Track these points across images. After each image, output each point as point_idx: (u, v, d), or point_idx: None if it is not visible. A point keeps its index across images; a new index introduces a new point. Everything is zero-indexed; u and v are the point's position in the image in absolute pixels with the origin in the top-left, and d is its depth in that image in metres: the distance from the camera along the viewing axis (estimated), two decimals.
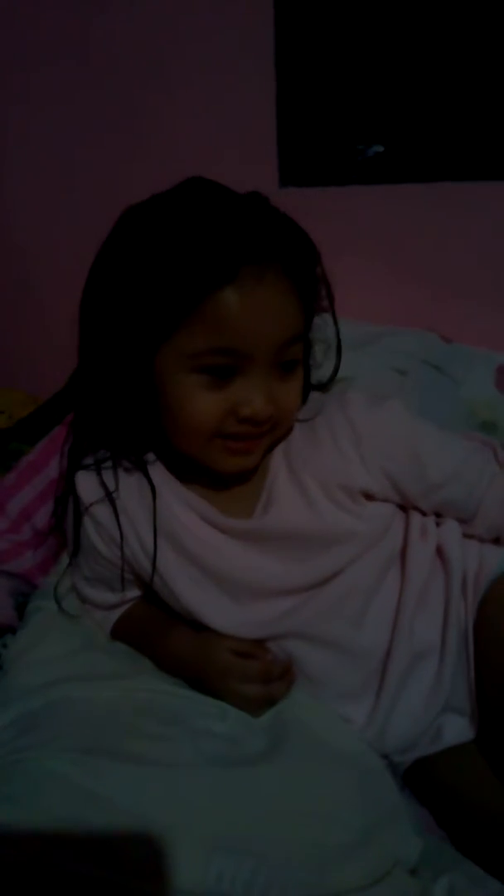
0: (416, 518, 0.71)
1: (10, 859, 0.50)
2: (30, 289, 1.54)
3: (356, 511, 0.67)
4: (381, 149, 1.11)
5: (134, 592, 0.75)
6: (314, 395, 0.72)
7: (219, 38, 1.16)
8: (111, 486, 0.67)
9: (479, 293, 1.10)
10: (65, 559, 0.77)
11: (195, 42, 1.17)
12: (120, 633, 0.75)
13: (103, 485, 0.67)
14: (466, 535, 0.72)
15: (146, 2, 1.19)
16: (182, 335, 0.57)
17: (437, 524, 0.72)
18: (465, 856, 0.60)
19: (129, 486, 0.68)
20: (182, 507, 0.67)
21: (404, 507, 0.72)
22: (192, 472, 0.67)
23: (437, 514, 0.73)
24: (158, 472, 0.68)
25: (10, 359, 1.61)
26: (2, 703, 0.65)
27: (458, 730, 0.66)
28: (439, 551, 0.71)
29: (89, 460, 0.69)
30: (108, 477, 0.68)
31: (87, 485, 0.68)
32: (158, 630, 0.71)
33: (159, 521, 0.67)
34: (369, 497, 0.68)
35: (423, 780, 0.66)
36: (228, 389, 0.59)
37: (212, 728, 0.62)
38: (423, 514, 0.72)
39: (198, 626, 0.69)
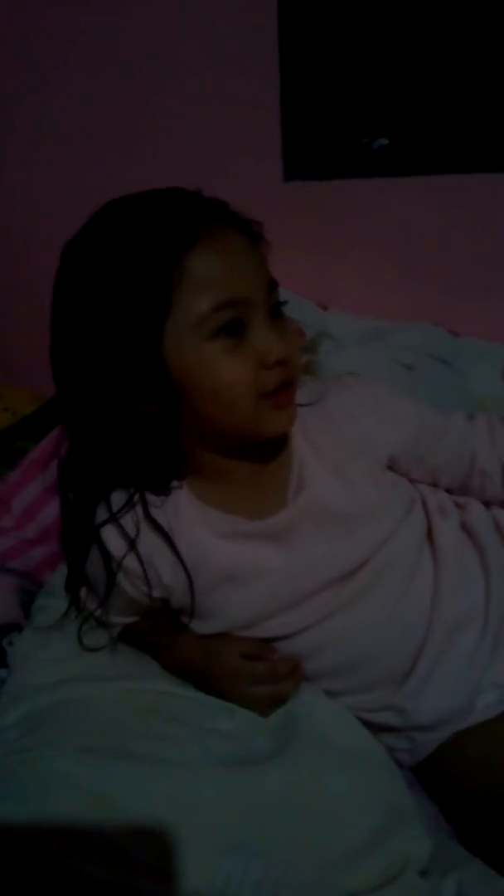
0: (431, 501, 0.73)
1: (16, 857, 0.50)
2: (33, 287, 1.53)
3: (382, 480, 0.70)
4: (386, 141, 1.10)
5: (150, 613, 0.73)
6: (313, 384, 0.73)
7: (223, 32, 1.15)
8: (132, 531, 0.65)
9: (487, 286, 1.09)
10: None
11: (199, 35, 1.17)
12: (129, 636, 0.74)
13: (125, 534, 0.65)
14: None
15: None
16: (180, 309, 0.57)
17: (457, 504, 0.75)
18: (474, 852, 0.59)
19: (150, 533, 0.65)
20: (208, 530, 0.66)
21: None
22: (218, 476, 0.67)
23: (445, 488, 0.75)
24: (182, 498, 0.67)
25: (15, 357, 1.60)
26: (8, 702, 0.65)
27: (492, 702, 0.65)
28: (465, 528, 0.72)
29: (103, 513, 0.66)
30: (127, 522, 0.65)
31: (111, 536, 0.65)
32: (167, 633, 0.71)
33: (188, 553, 0.65)
34: (391, 466, 0.72)
35: (437, 770, 0.66)
36: (246, 347, 0.59)
37: (219, 728, 0.61)
38: (434, 485, 0.75)
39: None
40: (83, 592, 0.71)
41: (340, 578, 0.66)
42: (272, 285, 0.62)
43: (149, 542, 0.65)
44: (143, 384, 0.59)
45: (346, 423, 0.69)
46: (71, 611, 0.72)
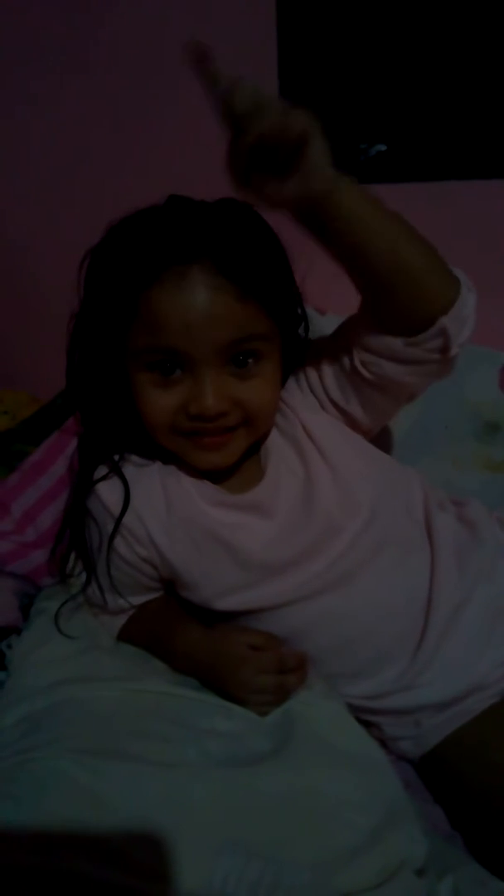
0: (432, 496, 0.75)
1: (14, 859, 0.50)
2: (33, 290, 1.54)
3: (336, 454, 0.71)
4: (383, 148, 1.10)
5: (149, 596, 0.75)
6: None
7: (220, 38, 1.14)
8: (123, 489, 0.70)
9: (484, 292, 1.09)
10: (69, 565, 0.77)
11: (194, 39, 1.17)
12: (129, 632, 0.75)
13: (123, 488, 0.70)
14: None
15: (148, 1, 1.19)
16: (132, 336, 0.63)
17: (454, 503, 0.76)
18: (478, 855, 0.60)
19: (142, 485, 0.70)
20: (197, 493, 0.70)
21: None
22: None
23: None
24: (175, 466, 0.71)
25: (14, 360, 1.61)
26: (7, 704, 0.65)
27: (499, 682, 0.66)
28: (463, 520, 0.74)
29: (103, 470, 0.71)
30: (118, 482, 0.71)
31: (107, 494, 0.70)
32: (169, 626, 0.72)
33: (179, 511, 0.69)
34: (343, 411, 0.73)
35: (442, 768, 0.66)
36: (178, 388, 0.63)
37: (217, 728, 0.62)
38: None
39: (215, 616, 0.70)
40: (77, 568, 0.75)
41: (322, 546, 0.67)
42: (240, 340, 0.62)
43: (141, 498, 0.69)
44: (114, 378, 0.67)
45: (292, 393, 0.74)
46: (72, 598, 0.74)
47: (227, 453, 0.67)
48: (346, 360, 0.69)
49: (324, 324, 0.76)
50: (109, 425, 0.71)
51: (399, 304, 0.62)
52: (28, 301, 1.56)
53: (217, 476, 0.71)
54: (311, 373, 0.73)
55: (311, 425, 0.71)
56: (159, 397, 0.64)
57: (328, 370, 0.72)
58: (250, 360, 0.64)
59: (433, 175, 1.07)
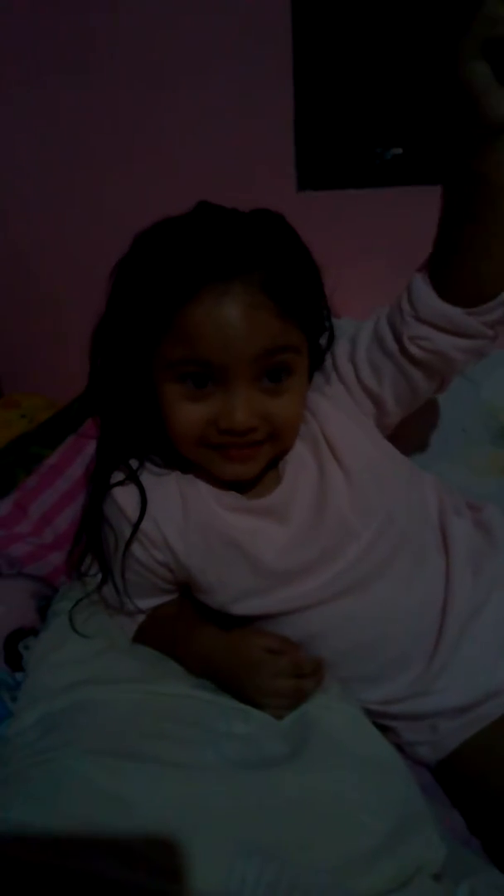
0: (448, 502, 0.75)
1: (32, 858, 0.50)
2: (50, 295, 1.55)
3: (353, 459, 0.70)
4: (399, 151, 1.10)
5: (165, 598, 0.76)
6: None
7: (236, 42, 1.16)
8: (140, 494, 0.70)
9: None
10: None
11: (213, 46, 1.18)
12: (144, 635, 0.75)
13: (140, 492, 0.70)
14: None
15: (163, 4, 1.20)
16: (164, 347, 0.63)
17: (471, 507, 0.76)
18: (498, 860, 0.59)
19: (159, 490, 0.70)
20: (214, 498, 0.70)
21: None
22: None
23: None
24: (193, 471, 0.71)
25: (31, 364, 1.62)
26: (25, 705, 0.66)
27: None
28: (479, 525, 0.74)
29: (119, 475, 0.71)
30: (135, 486, 0.70)
31: (125, 498, 0.70)
32: (186, 630, 0.72)
33: (195, 515, 0.69)
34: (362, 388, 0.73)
35: (460, 774, 0.66)
36: (208, 400, 0.63)
37: (234, 731, 0.61)
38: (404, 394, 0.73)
39: (232, 619, 0.70)
40: (93, 568, 0.74)
41: (338, 550, 0.67)
42: (272, 352, 0.62)
43: (158, 502, 0.69)
44: (140, 388, 0.67)
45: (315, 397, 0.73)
46: (91, 596, 0.75)
47: (253, 465, 0.68)
48: (389, 340, 0.69)
49: (339, 327, 0.76)
50: (130, 432, 0.71)
51: (484, 269, 0.63)
52: (44, 311, 1.57)
53: (236, 484, 0.71)
54: (342, 359, 0.73)
55: (330, 428, 0.71)
56: (190, 410, 0.64)
57: (363, 354, 0.72)
58: (283, 375, 0.64)
59: None
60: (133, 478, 0.70)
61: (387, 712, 0.68)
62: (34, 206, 1.49)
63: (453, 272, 0.65)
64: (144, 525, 0.69)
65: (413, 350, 0.68)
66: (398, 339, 0.68)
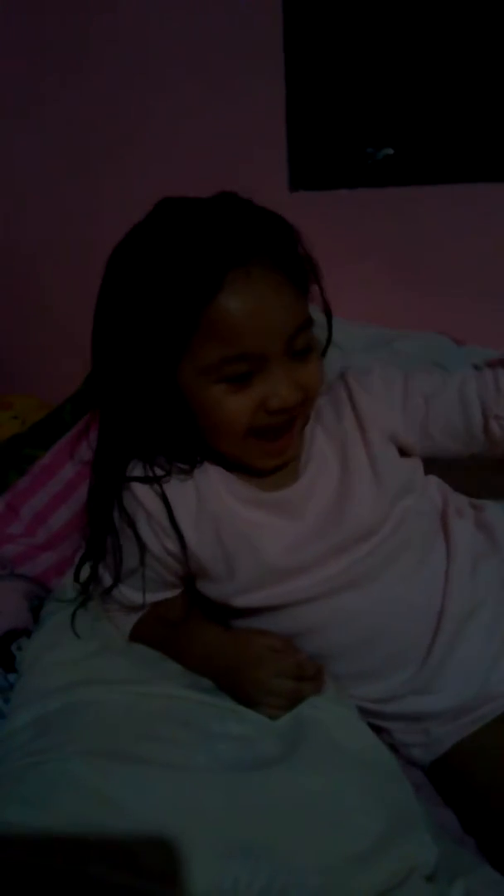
0: (451, 503, 0.75)
1: (25, 860, 0.50)
2: (42, 295, 1.55)
3: (384, 461, 0.70)
4: (391, 151, 1.11)
5: (169, 593, 0.75)
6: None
7: (228, 42, 1.16)
8: (158, 488, 0.69)
9: (493, 295, 1.09)
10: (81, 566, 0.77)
11: (204, 45, 1.18)
12: (143, 631, 0.75)
13: (157, 484, 0.69)
14: None
15: (154, 3, 1.20)
16: (193, 353, 0.61)
17: (473, 506, 0.77)
18: (493, 858, 0.60)
19: (173, 481, 0.70)
20: (227, 491, 0.70)
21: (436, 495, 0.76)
22: (238, 466, 0.70)
23: (459, 454, 0.75)
24: (206, 462, 0.71)
25: (24, 365, 1.62)
26: (18, 706, 0.65)
27: None
28: (481, 525, 0.74)
29: (133, 471, 0.70)
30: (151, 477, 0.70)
31: (143, 489, 0.69)
32: (186, 627, 0.72)
33: (208, 507, 0.69)
34: (398, 444, 0.73)
35: (453, 774, 0.66)
36: (254, 387, 0.62)
37: (228, 732, 0.61)
38: (447, 457, 0.75)
39: (232, 614, 0.70)
40: (100, 568, 0.74)
41: (345, 549, 0.68)
42: (300, 329, 0.62)
43: (172, 491, 0.69)
44: (162, 393, 0.64)
45: (346, 404, 0.73)
46: (87, 597, 0.74)
47: (291, 451, 0.69)
48: (475, 410, 0.71)
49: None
50: (139, 434, 0.69)
51: None
52: (38, 308, 1.57)
53: (252, 472, 0.70)
54: (414, 390, 0.73)
55: (372, 436, 0.71)
56: (236, 403, 0.63)
57: (440, 407, 0.72)
58: (306, 348, 0.65)
59: (440, 178, 1.08)
60: (149, 468, 0.70)
61: (382, 712, 0.68)
62: (27, 208, 1.48)
63: None
64: (160, 516, 0.69)
65: (495, 429, 0.70)
66: (485, 413, 0.70)
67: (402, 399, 0.73)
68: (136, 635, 0.75)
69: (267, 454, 0.67)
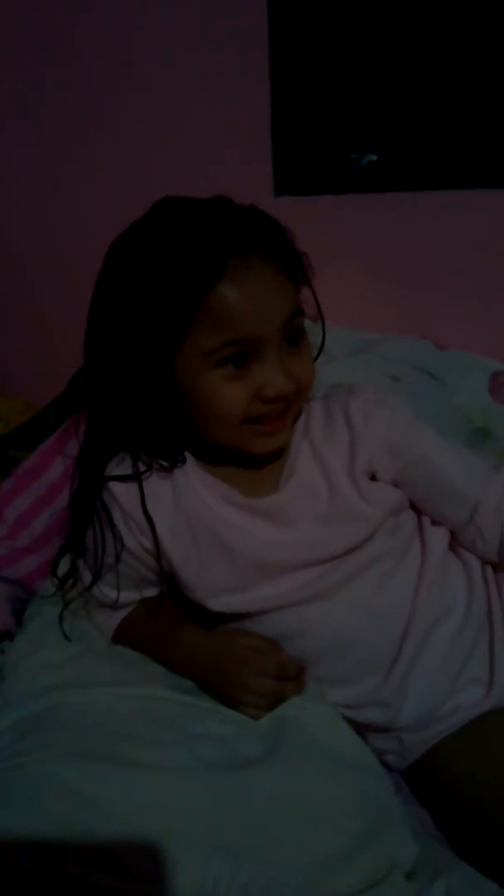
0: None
1: (6, 863, 0.50)
2: (27, 296, 1.54)
3: (367, 486, 0.70)
4: (374, 158, 1.12)
5: (148, 592, 0.76)
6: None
7: (213, 48, 1.17)
8: (136, 486, 0.69)
9: (473, 300, 1.11)
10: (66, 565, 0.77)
11: (189, 50, 1.18)
12: (126, 632, 0.75)
13: (137, 482, 0.69)
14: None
15: (138, 10, 1.20)
16: (193, 338, 0.62)
17: None
18: (463, 857, 0.60)
19: (151, 479, 0.70)
20: (207, 492, 0.70)
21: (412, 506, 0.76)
22: (220, 458, 0.71)
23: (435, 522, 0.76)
24: (190, 462, 0.71)
25: (8, 367, 1.61)
26: (1, 708, 0.65)
27: (476, 699, 0.67)
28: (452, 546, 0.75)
29: (115, 467, 0.71)
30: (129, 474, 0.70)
31: (119, 486, 0.70)
32: (169, 629, 0.72)
33: (185, 506, 0.69)
34: (374, 477, 0.72)
35: (426, 778, 0.67)
36: (249, 376, 0.63)
37: (209, 732, 0.62)
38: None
39: (212, 617, 0.70)
40: (80, 565, 0.74)
41: (318, 563, 0.68)
42: (293, 315, 0.64)
43: (149, 489, 0.69)
44: (156, 383, 0.65)
45: (342, 425, 0.72)
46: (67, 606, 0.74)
47: (284, 435, 0.69)
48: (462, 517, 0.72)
49: (316, 331, 0.77)
50: (129, 428, 0.70)
51: None
52: (23, 309, 1.56)
53: (231, 475, 0.71)
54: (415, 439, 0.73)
55: (361, 462, 0.71)
56: (233, 390, 0.63)
57: (440, 500, 0.74)
58: (299, 337, 0.66)
59: (423, 185, 1.09)
60: (129, 464, 0.70)
61: (354, 719, 0.68)
62: (12, 210, 1.48)
63: None
64: (134, 512, 0.69)
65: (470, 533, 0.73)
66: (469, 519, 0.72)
67: (406, 462, 0.72)
68: (118, 637, 0.75)
69: (261, 435, 0.67)
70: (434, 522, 0.76)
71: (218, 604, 0.70)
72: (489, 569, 0.74)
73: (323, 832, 0.55)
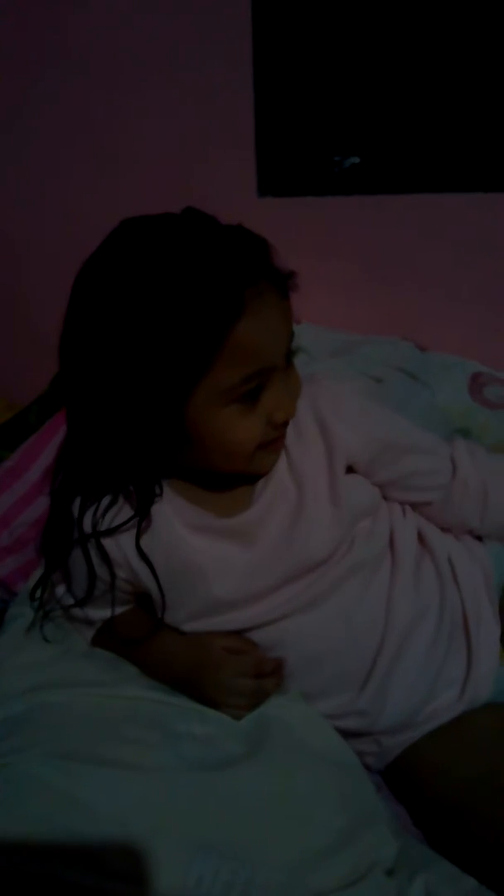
0: (395, 504, 0.76)
1: None
2: (10, 298, 1.53)
3: (343, 486, 0.69)
4: (357, 160, 1.12)
5: (122, 609, 0.74)
6: None
7: (197, 49, 1.17)
8: (112, 514, 0.67)
9: (453, 302, 1.12)
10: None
11: (174, 53, 1.18)
12: (103, 640, 0.75)
13: (105, 515, 0.66)
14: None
15: (123, 15, 1.20)
16: (213, 376, 0.57)
17: (414, 508, 0.78)
18: (440, 853, 0.61)
19: (123, 512, 0.67)
20: (180, 521, 0.68)
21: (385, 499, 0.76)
22: (197, 481, 0.69)
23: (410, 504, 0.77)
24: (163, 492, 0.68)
25: None
26: None
27: (451, 701, 0.68)
28: (420, 536, 0.75)
29: (88, 499, 0.68)
30: (106, 504, 0.67)
31: (89, 518, 0.67)
32: (145, 633, 0.71)
33: (161, 537, 0.67)
34: (351, 469, 0.71)
35: (403, 776, 0.68)
36: (259, 405, 0.61)
37: (192, 732, 0.62)
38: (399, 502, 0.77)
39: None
40: (61, 589, 0.73)
41: (297, 578, 0.68)
42: (291, 338, 0.63)
43: (121, 522, 0.66)
44: (161, 424, 0.60)
45: (311, 422, 0.70)
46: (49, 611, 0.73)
47: (282, 448, 0.69)
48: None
49: (299, 332, 0.77)
50: (119, 464, 0.65)
51: None
52: (6, 309, 1.55)
53: (205, 498, 0.69)
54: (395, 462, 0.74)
55: (338, 461, 0.70)
56: (249, 423, 0.61)
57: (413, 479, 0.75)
58: (291, 358, 0.65)
59: (405, 188, 1.10)
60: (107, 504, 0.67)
61: (334, 726, 0.68)
62: (4, 212, 1.47)
63: None
64: (109, 547, 0.67)
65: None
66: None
67: (380, 448, 0.72)
68: (98, 642, 0.75)
69: (271, 453, 0.66)
70: (405, 513, 0.76)
71: (191, 626, 0.69)
72: (459, 560, 0.74)
73: (305, 829, 0.55)
